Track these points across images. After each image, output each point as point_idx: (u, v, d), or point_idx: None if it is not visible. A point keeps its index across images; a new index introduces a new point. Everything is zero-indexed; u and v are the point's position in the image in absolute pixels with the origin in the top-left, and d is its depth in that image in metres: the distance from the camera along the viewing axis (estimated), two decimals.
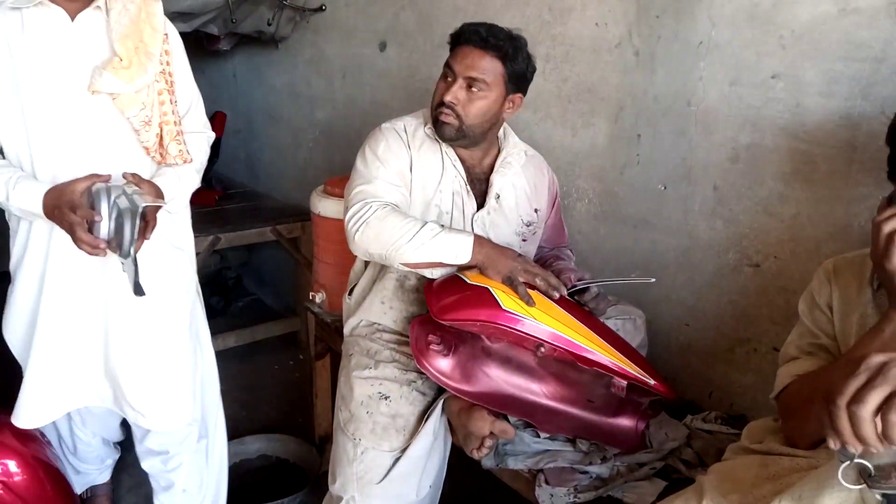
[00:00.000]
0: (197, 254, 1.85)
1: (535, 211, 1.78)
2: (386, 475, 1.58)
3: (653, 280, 1.56)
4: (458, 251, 1.50)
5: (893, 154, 1.12)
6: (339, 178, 2.38)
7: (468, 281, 1.50)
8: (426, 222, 1.51)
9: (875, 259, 1.05)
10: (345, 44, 2.89)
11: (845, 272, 1.19)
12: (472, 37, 1.57)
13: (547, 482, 1.43)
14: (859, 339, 1.09)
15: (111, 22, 1.49)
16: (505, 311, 1.42)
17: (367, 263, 1.82)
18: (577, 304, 1.57)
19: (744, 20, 1.56)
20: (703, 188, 1.70)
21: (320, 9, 2.95)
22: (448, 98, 1.58)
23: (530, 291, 1.46)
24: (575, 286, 1.56)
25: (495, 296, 1.43)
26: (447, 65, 1.61)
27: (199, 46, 3.26)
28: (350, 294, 1.87)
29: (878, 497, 0.75)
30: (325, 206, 2.31)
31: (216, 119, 3.70)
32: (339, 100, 3.01)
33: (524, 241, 1.76)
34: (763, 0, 1.52)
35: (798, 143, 1.50)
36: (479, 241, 1.51)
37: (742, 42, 1.57)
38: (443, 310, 1.48)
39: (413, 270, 1.58)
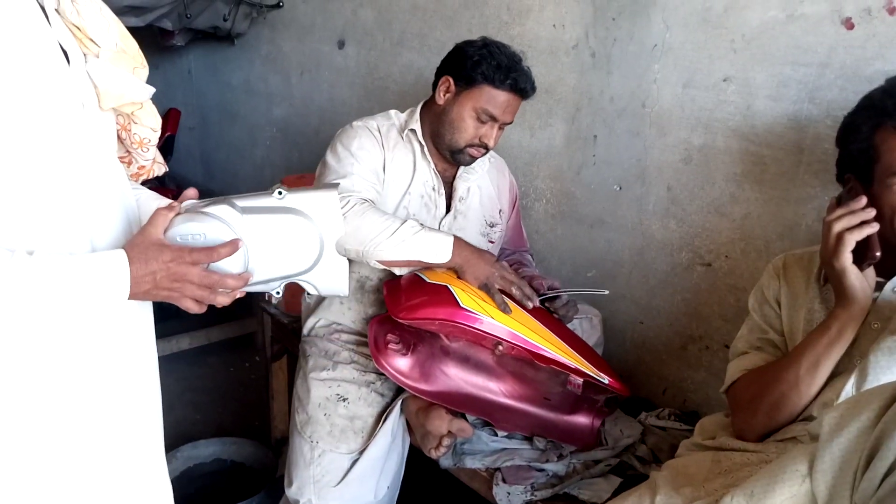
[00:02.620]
0: None
1: (499, 212, 1.79)
2: (343, 477, 1.57)
3: (606, 292, 1.60)
4: (439, 251, 1.48)
5: (842, 156, 1.16)
6: (296, 177, 2.35)
7: (427, 280, 1.49)
8: (406, 220, 1.49)
9: (824, 257, 1.08)
10: (302, 41, 2.85)
11: (794, 268, 1.22)
12: (524, 89, 1.58)
13: (504, 480, 1.44)
14: (807, 336, 1.12)
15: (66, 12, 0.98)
16: (463, 309, 1.42)
17: None
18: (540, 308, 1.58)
19: (697, 24, 1.59)
20: (657, 188, 1.73)
21: (277, 5, 2.91)
22: (492, 143, 1.61)
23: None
24: (545, 295, 1.58)
25: (454, 294, 1.43)
26: (483, 110, 1.56)
27: (153, 42, 3.19)
28: (310, 294, 1.84)
29: None
30: None
31: (170, 116, 3.62)
32: (297, 97, 2.97)
33: (491, 242, 1.76)
34: (715, 4, 1.55)
35: (748, 144, 1.54)
36: (459, 242, 1.50)
37: (695, 45, 1.60)
38: (401, 309, 1.47)
39: (387, 268, 1.56)
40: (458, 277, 1.49)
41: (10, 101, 0.86)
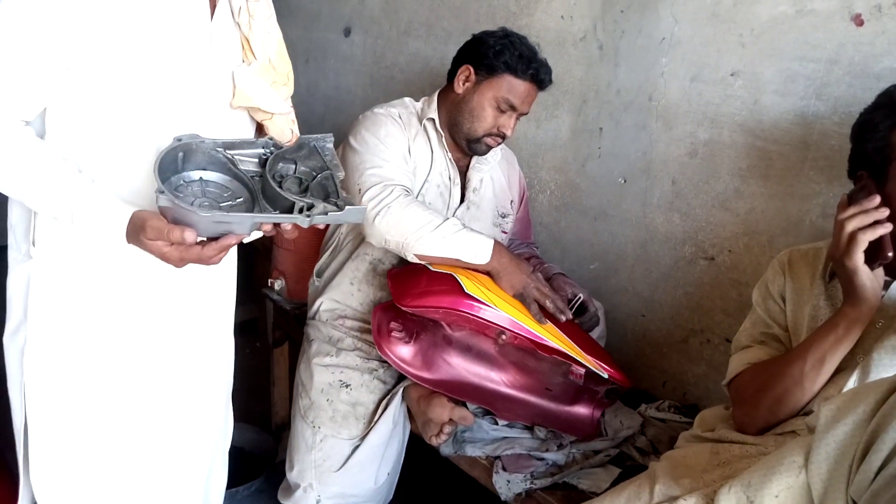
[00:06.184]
0: None
1: (510, 203, 1.80)
2: (344, 463, 1.58)
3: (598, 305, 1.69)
4: (478, 251, 1.48)
5: (856, 153, 1.14)
6: None
7: (431, 268, 1.50)
8: (447, 217, 1.50)
9: (836, 256, 1.07)
10: (308, 28, 2.85)
11: (799, 264, 1.22)
12: (544, 80, 1.60)
13: (504, 469, 1.45)
14: (813, 333, 1.12)
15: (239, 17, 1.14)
16: (467, 295, 1.42)
17: (336, 246, 1.79)
18: None
19: (706, 18, 1.58)
20: (662, 182, 1.73)
21: None
22: (510, 133, 1.62)
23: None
24: (571, 307, 1.59)
25: (459, 281, 1.44)
26: (504, 99, 1.58)
27: None
28: (319, 276, 1.85)
29: None
30: None
31: None
32: (302, 85, 2.96)
33: (504, 233, 1.77)
34: None
35: (754, 139, 1.54)
36: (499, 247, 1.50)
37: (703, 39, 1.60)
38: (405, 296, 1.47)
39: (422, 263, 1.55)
40: (494, 283, 1.50)
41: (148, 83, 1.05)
